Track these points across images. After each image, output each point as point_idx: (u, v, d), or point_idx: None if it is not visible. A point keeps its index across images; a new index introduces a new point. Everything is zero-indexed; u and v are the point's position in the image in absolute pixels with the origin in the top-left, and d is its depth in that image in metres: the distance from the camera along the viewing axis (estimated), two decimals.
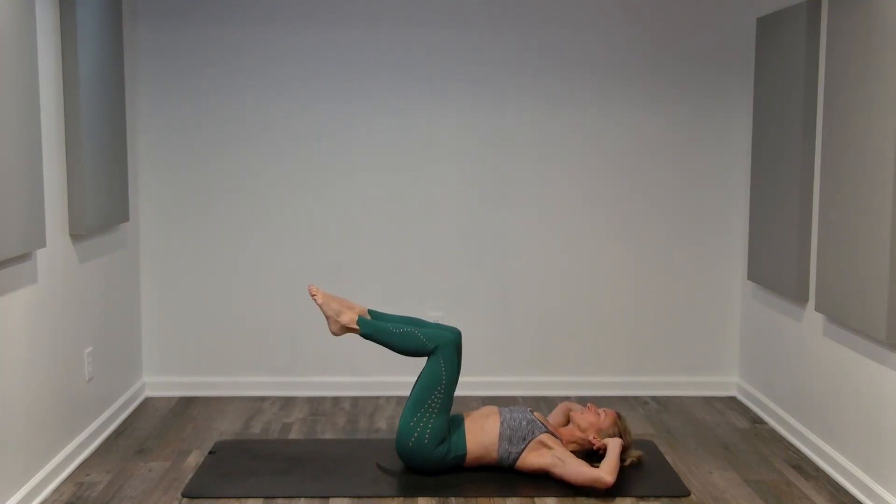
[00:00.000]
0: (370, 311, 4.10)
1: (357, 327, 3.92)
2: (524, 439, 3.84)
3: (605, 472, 3.71)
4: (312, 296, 3.95)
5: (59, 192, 3.93)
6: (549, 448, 3.83)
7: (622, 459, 3.90)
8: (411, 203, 5.07)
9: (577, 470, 3.73)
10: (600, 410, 4.00)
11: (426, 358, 3.94)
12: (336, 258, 5.06)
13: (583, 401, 4.88)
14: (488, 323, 5.09)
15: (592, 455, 3.93)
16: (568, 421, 4.13)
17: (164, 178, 5.00)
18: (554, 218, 5.09)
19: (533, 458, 3.82)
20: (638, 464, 3.98)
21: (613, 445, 3.83)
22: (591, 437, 3.91)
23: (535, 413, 3.97)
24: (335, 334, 3.98)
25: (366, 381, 5.12)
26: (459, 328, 4.27)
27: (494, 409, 3.99)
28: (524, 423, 3.88)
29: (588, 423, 3.94)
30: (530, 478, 3.84)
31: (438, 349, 3.88)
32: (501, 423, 3.88)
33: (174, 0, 4.90)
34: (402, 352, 3.93)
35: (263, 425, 4.62)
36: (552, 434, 3.90)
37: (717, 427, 4.63)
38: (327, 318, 3.96)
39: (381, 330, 3.92)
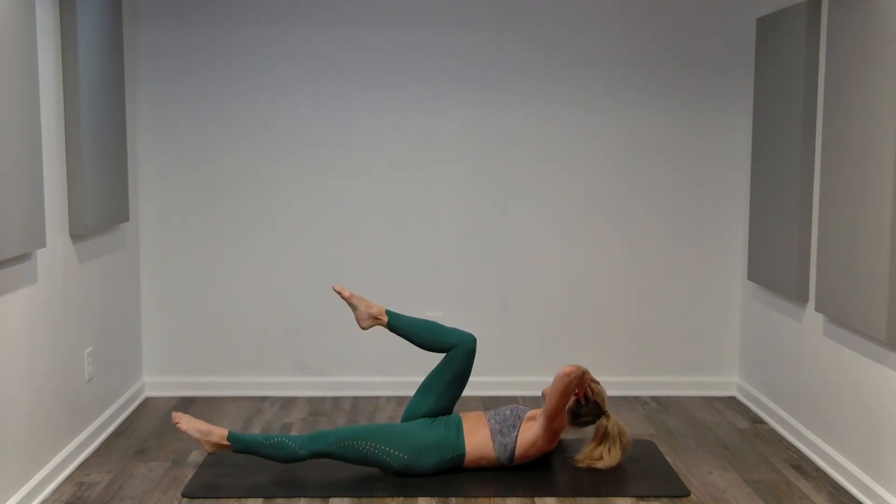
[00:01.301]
0: (388, 312, 4.08)
1: (228, 444, 3.84)
2: (514, 426, 3.91)
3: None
4: (176, 424, 3.87)
5: (59, 192, 3.93)
6: (536, 418, 3.93)
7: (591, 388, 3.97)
8: (412, 203, 5.06)
9: (546, 403, 3.81)
10: None
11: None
12: (336, 258, 5.06)
13: None
14: (488, 323, 5.09)
15: (580, 415, 3.98)
16: None
17: (164, 178, 5.00)
18: (554, 218, 5.09)
19: (527, 436, 3.88)
20: (625, 443, 4.00)
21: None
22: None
23: (518, 405, 4.06)
24: (211, 452, 3.89)
25: (366, 381, 5.12)
26: (460, 328, 4.25)
27: (480, 413, 4.03)
28: (507, 412, 3.97)
29: (552, 383, 3.91)
30: (530, 478, 3.85)
31: (311, 450, 3.80)
32: (489, 421, 3.94)
33: (174, 0, 4.90)
34: (280, 461, 3.85)
35: (263, 425, 4.61)
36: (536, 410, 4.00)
37: (717, 427, 4.63)
38: (198, 441, 3.86)
39: (252, 443, 3.84)
